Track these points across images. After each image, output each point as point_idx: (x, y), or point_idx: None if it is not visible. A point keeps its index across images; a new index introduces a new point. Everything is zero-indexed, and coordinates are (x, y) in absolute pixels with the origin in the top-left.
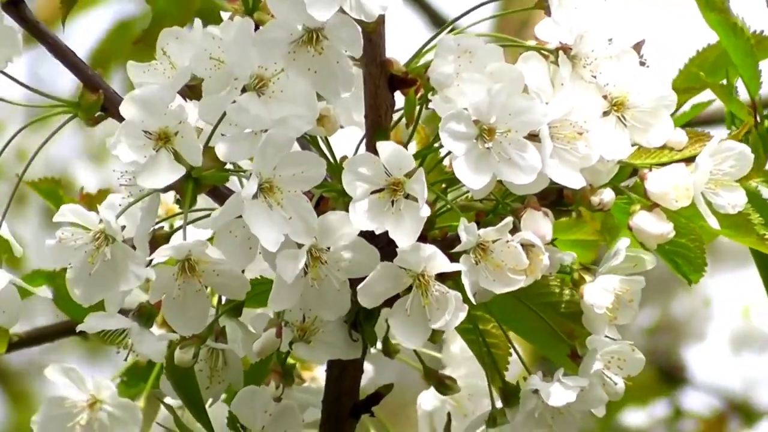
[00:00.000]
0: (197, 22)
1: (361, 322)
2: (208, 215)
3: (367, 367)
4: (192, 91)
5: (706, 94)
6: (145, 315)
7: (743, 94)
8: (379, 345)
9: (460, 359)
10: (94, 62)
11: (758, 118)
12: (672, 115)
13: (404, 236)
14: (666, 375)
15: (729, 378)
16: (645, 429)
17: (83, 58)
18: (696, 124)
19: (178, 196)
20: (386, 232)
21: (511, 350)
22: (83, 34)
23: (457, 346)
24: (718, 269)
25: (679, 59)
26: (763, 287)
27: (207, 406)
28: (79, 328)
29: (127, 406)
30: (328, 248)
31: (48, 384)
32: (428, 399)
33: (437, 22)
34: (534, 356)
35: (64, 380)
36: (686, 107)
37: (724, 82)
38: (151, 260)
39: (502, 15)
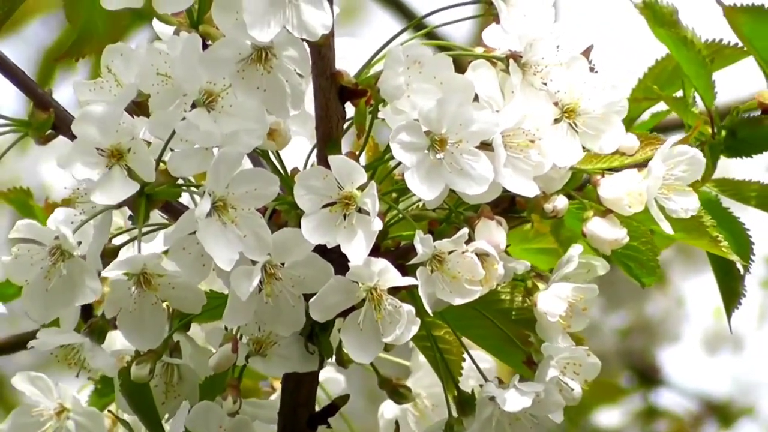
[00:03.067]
0: (140, 39)
1: (317, 334)
2: (157, 230)
3: (339, 377)
4: (139, 107)
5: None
6: (97, 330)
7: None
8: None
9: (427, 368)
10: (50, 57)
11: (715, 129)
12: (632, 123)
13: (356, 251)
14: (640, 375)
15: (704, 378)
16: (618, 429)
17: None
18: (659, 130)
19: (131, 213)
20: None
21: (465, 356)
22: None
23: None
24: (692, 270)
25: (643, 66)
26: (718, 290)
27: (163, 421)
28: (31, 344)
29: (92, 415)
30: (283, 264)
31: None
32: (390, 408)
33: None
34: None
35: (31, 389)
36: (646, 116)
37: (680, 93)
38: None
39: (467, 19)
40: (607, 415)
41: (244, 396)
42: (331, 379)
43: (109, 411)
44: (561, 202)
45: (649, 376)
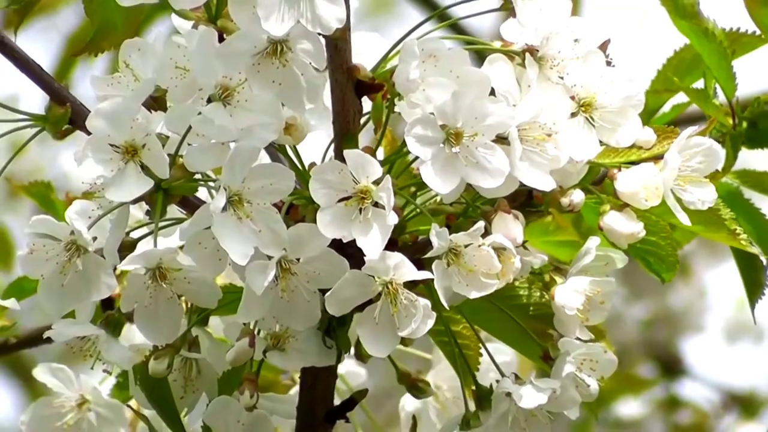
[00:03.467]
0: (158, 33)
1: (334, 328)
2: (175, 224)
3: (361, 370)
4: (156, 102)
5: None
6: (113, 323)
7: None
8: None
9: (448, 362)
10: (74, 45)
11: (736, 120)
12: (652, 115)
13: (372, 245)
14: (663, 366)
15: (726, 369)
16: (641, 419)
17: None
18: (682, 122)
19: (148, 208)
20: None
21: (482, 351)
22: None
23: None
24: (714, 260)
25: (660, 58)
26: (741, 281)
27: (182, 416)
28: (47, 334)
29: (113, 407)
30: (298, 259)
31: None
32: (411, 401)
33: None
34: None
35: (52, 380)
36: (667, 108)
37: (701, 83)
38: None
39: (487, 12)
40: (629, 406)
41: (264, 389)
42: (353, 372)
43: (128, 406)
44: (578, 196)
45: (671, 367)
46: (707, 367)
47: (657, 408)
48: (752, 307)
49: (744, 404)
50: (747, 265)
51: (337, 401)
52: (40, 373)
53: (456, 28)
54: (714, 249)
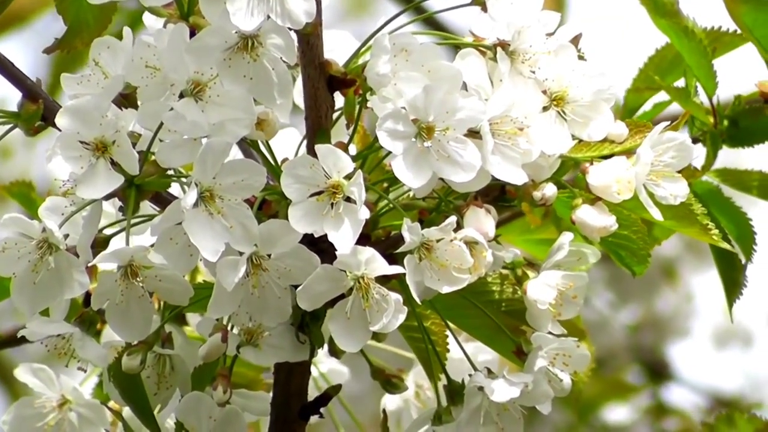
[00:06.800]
0: (127, 30)
1: (308, 323)
2: (147, 221)
3: (343, 369)
4: (126, 99)
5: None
6: (87, 320)
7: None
8: None
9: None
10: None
11: (717, 118)
12: (633, 113)
13: (343, 239)
14: (650, 371)
15: (713, 374)
16: (628, 425)
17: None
18: (662, 120)
19: (121, 204)
20: None
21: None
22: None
23: None
24: (701, 265)
25: (642, 56)
26: (720, 281)
27: (156, 412)
28: (21, 333)
29: (94, 407)
30: (269, 255)
31: None
32: (393, 399)
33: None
34: None
35: (33, 380)
36: (648, 106)
37: (682, 81)
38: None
39: (460, 7)
40: (617, 412)
41: (245, 387)
42: (335, 370)
43: (107, 407)
44: (550, 190)
45: (658, 372)
46: (694, 372)
47: (644, 413)
48: (730, 306)
49: (731, 409)
50: (726, 264)
51: None
52: (21, 373)
53: (432, 23)
54: (701, 254)
